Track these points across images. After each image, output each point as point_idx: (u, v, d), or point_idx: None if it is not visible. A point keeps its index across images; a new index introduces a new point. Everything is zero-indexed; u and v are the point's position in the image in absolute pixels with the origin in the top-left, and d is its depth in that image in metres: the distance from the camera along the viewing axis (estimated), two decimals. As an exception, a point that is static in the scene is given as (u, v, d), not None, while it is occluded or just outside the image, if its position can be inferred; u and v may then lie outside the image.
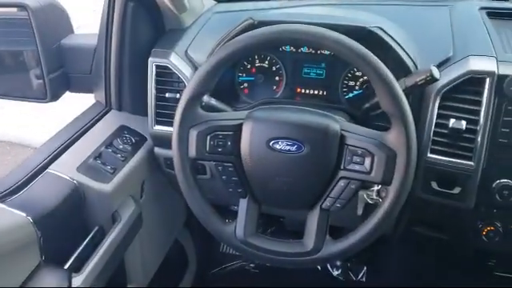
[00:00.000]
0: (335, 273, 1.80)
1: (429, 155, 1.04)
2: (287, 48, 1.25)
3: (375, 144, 0.86)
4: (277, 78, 1.27)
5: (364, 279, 1.76)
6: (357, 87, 1.20)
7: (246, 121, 0.92)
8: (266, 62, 1.27)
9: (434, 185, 1.04)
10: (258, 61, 1.27)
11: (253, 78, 1.28)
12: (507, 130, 0.99)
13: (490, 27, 1.15)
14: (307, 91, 1.25)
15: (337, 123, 0.90)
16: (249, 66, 1.28)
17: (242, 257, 1.85)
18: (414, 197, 1.09)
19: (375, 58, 0.84)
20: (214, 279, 1.83)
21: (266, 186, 0.92)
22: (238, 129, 0.93)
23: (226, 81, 1.28)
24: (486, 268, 1.26)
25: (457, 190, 1.03)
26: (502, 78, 0.97)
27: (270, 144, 0.90)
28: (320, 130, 0.89)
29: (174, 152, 0.95)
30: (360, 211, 1.09)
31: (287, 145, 0.89)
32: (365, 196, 1.06)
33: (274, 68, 1.27)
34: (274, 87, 1.27)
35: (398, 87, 0.84)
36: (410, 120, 0.84)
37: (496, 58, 1.01)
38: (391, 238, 1.36)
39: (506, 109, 0.98)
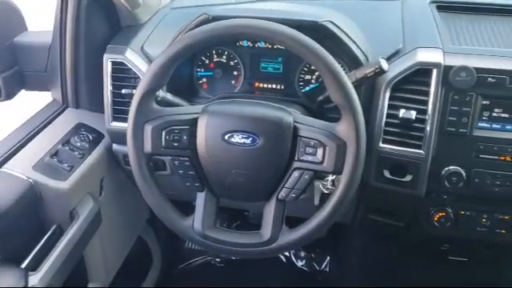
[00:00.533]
0: (299, 264, 1.84)
1: (381, 145, 1.07)
2: (244, 43, 1.26)
3: (326, 135, 0.89)
4: (235, 73, 1.28)
5: (328, 269, 1.80)
6: (313, 81, 1.23)
7: (201, 115, 0.93)
8: (224, 57, 1.28)
9: (387, 173, 1.08)
10: (216, 56, 1.28)
11: (211, 73, 1.29)
12: (454, 119, 1.03)
13: (438, 20, 1.19)
14: (265, 85, 1.27)
15: (290, 116, 0.92)
16: (207, 62, 1.29)
17: (208, 252, 1.86)
18: (368, 185, 1.13)
19: (324, 51, 0.86)
20: (180, 275, 1.83)
21: (223, 179, 0.93)
22: (193, 123, 0.93)
23: (185, 76, 1.29)
24: (441, 253, 1.30)
25: (408, 178, 1.06)
26: (448, 69, 1.01)
27: (226, 137, 0.91)
28: (274, 123, 0.91)
29: (129, 148, 0.95)
30: (317, 201, 1.12)
31: (242, 137, 0.91)
32: (320, 186, 1.09)
33: (232, 63, 1.28)
34: (233, 82, 1.29)
35: (347, 79, 0.87)
36: (358, 111, 0.86)
37: (442, 50, 1.05)
38: (351, 227, 1.39)
39: (453, 98, 1.02)
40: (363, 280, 1.58)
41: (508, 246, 1.19)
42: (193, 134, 0.93)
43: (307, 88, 1.24)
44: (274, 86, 1.26)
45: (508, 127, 1.03)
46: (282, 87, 1.26)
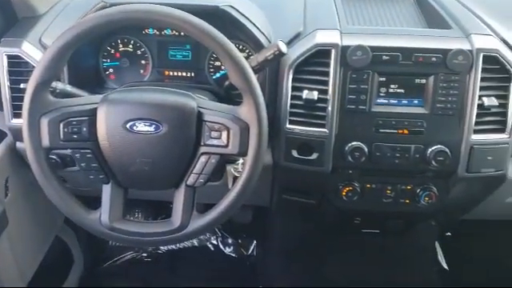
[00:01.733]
0: (227, 250, 1.85)
1: (287, 126, 1.10)
2: (150, 31, 1.24)
3: (230, 118, 0.89)
4: (143, 62, 1.26)
5: (255, 253, 1.83)
6: (223, 67, 1.23)
7: (100, 104, 0.90)
8: (130, 46, 1.25)
9: (295, 153, 1.11)
10: (121, 45, 1.25)
11: (118, 63, 1.26)
12: (354, 97, 1.07)
13: (338, 3, 1.24)
14: (175, 73, 1.26)
15: (194, 101, 0.91)
16: (112, 51, 1.26)
17: (134, 247, 1.83)
18: (279, 166, 1.16)
19: (220, 34, 0.86)
20: (105, 274, 1.79)
21: (128, 169, 0.92)
22: (92, 113, 0.90)
23: (89, 67, 1.24)
24: (354, 227, 1.37)
25: (315, 156, 1.10)
26: (345, 49, 1.05)
27: (127, 126, 0.89)
28: (176, 109, 0.90)
29: (25, 143, 0.90)
30: (230, 185, 1.13)
31: (145, 125, 0.89)
32: (232, 170, 1.10)
33: (139, 52, 1.25)
34: (142, 71, 1.26)
35: (245, 62, 0.88)
36: (258, 93, 0.88)
37: (340, 31, 1.09)
38: (271, 209, 1.42)
39: (351, 77, 1.06)
40: (286, 261, 1.63)
41: (413, 215, 1.26)
42: (93, 125, 0.90)
43: (218, 74, 1.25)
44: (184, 74, 1.26)
45: (404, 102, 1.09)
46: (193, 74, 1.26)
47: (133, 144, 0.90)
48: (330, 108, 1.07)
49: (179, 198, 0.94)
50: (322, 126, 1.08)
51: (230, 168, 1.10)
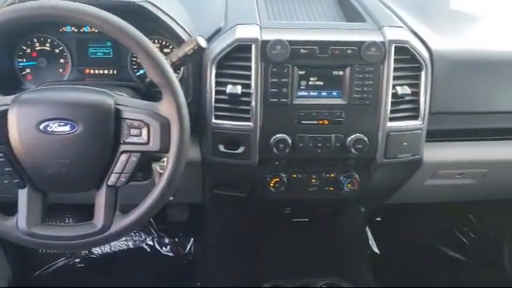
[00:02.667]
0: (164, 250, 1.83)
1: (214, 121, 1.10)
2: (68, 28, 1.20)
3: (149, 114, 0.88)
4: (62, 61, 1.21)
5: (192, 250, 1.83)
6: None
7: (11, 106, 0.86)
8: (48, 45, 1.20)
9: (222, 147, 1.12)
10: (38, 44, 1.20)
11: (35, 63, 1.21)
12: (276, 90, 1.09)
13: None
14: (96, 71, 1.22)
15: (111, 98, 0.89)
16: (28, 51, 1.20)
17: (65, 254, 1.77)
18: (207, 161, 1.16)
19: (135, 31, 0.85)
20: (36, 282, 1.71)
21: (44, 171, 0.88)
22: (3, 115, 0.86)
23: (4, 68, 1.19)
24: (286, 216, 1.40)
25: (241, 150, 1.11)
26: (265, 44, 1.07)
27: (41, 127, 0.86)
28: (92, 107, 0.88)
29: None
30: (157, 183, 1.12)
31: (59, 125, 0.86)
32: (158, 168, 1.09)
33: (56, 50, 1.21)
34: (61, 70, 1.22)
35: (161, 58, 0.87)
36: (176, 88, 0.87)
37: (260, 26, 1.11)
38: (205, 206, 1.43)
39: (272, 71, 1.09)
40: (223, 256, 1.64)
41: (338, 201, 1.31)
42: (4, 127, 0.86)
43: (141, 71, 1.23)
44: (106, 72, 1.22)
45: (323, 93, 1.13)
46: (115, 72, 1.23)
47: (47, 145, 0.87)
48: (253, 102, 1.09)
49: (100, 199, 0.92)
50: (247, 119, 1.10)
51: (155, 166, 1.09)
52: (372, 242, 1.90)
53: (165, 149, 0.89)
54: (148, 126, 0.88)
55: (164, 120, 0.88)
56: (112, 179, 0.91)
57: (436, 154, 1.22)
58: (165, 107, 0.89)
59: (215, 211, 1.55)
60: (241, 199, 1.29)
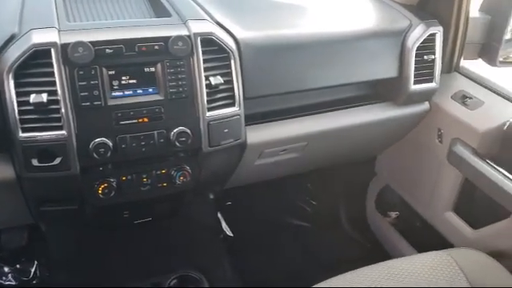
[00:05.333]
0: (5, 280, 1.67)
1: (21, 134, 1.02)
2: None
3: None
4: None
5: (38, 274, 1.69)
6: None
7: None
8: None
9: (35, 162, 1.04)
10: None
11: None
12: (86, 94, 1.05)
13: (58, 1, 1.19)
14: None
15: None
16: None
17: None
18: (23, 178, 1.08)
19: None
20: None
21: None
22: None
23: None
24: (127, 221, 1.37)
25: (58, 161, 1.05)
26: (65, 47, 1.02)
27: None
28: None
29: None
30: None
31: None
32: None
33: None
34: None
35: None
36: None
37: (58, 29, 1.06)
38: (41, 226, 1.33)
39: (78, 74, 1.04)
40: (72, 272, 1.55)
41: (174, 196, 1.32)
42: None
43: None
44: None
45: (139, 91, 1.11)
46: None
47: None
48: (63, 109, 1.03)
49: None
50: (59, 128, 1.04)
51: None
52: (225, 226, 1.97)
53: None
54: None
55: None
56: None
57: (258, 135, 1.30)
58: None
59: (52, 228, 1.46)
60: (73, 212, 1.22)
